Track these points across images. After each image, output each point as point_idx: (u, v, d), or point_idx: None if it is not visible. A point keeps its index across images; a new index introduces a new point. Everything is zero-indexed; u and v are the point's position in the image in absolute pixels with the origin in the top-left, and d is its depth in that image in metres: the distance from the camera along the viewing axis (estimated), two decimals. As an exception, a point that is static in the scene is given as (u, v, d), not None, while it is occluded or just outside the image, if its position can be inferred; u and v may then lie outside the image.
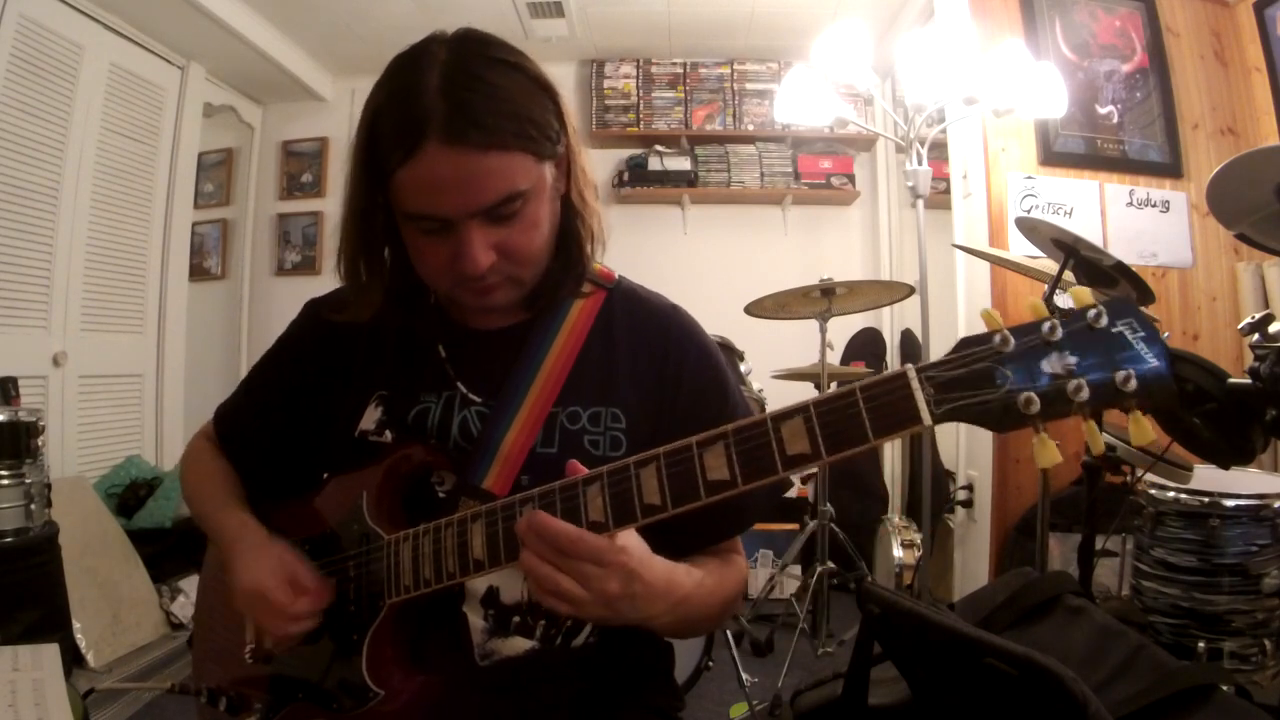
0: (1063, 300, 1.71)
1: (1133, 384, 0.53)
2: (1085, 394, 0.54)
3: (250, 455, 0.98)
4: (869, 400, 0.58)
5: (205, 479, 0.97)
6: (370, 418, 0.88)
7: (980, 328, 0.59)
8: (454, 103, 0.72)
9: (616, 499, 0.67)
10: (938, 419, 0.57)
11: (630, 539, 0.69)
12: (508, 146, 0.74)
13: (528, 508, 0.71)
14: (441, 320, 0.90)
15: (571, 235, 0.86)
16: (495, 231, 0.77)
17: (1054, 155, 2.77)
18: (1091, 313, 0.55)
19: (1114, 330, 0.55)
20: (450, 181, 0.73)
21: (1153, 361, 0.54)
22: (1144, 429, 0.55)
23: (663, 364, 0.89)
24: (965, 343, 0.58)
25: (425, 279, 0.83)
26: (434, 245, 0.78)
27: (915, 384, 0.57)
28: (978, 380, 0.56)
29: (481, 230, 0.76)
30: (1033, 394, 0.55)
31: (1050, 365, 0.55)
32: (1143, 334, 0.54)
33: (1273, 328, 1.14)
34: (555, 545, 0.66)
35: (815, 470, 2.71)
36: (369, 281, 0.84)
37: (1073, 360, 0.55)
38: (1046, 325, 0.56)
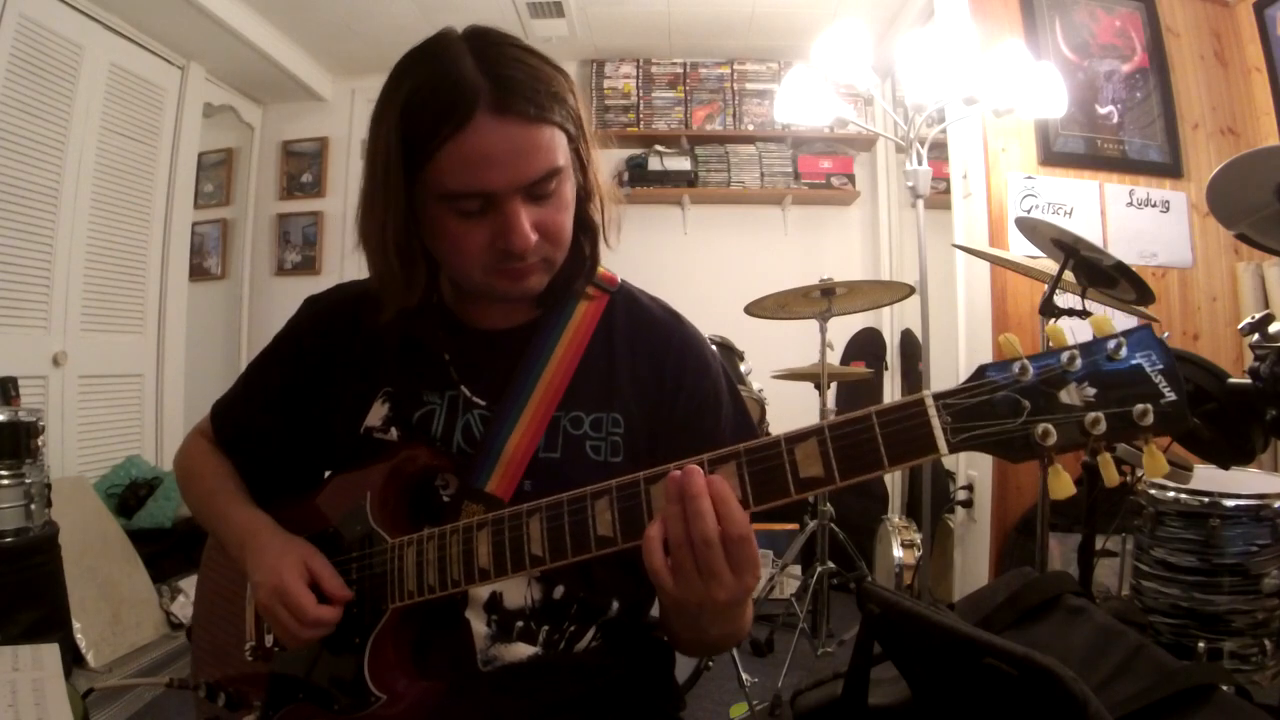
0: (1063, 301, 1.71)
1: (1150, 418, 0.52)
2: (1103, 427, 0.53)
3: (248, 450, 0.97)
4: (885, 426, 0.58)
5: (207, 477, 0.96)
6: (377, 414, 0.87)
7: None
8: (497, 77, 0.72)
9: (625, 514, 0.67)
10: (954, 448, 0.56)
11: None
12: (551, 120, 0.75)
13: (534, 518, 0.71)
14: (445, 320, 0.90)
15: (585, 222, 0.86)
16: (534, 210, 0.77)
17: (1054, 155, 2.77)
18: (1111, 344, 0.54)
19: (1133, 362, 0.54)
20: (501, 153, 0.72)
21: (1170, 395, 0.53)
22: (1159, 462, 0.54)
23: (661, 375, 0.88)
24: (983, 370, 0.57)
25: (457, 265, 0.81)
26: (472, 228, 0.76)
27: (932, 412, 0.56)
28: (995, 410, 0.56)
29: (525, 207, 0.76)
30: (1050, 426, 0.54)
31: (1068, 396, 0.54)
32: (1161, 366, 0.53)
33: (1273, 328, 1.14)
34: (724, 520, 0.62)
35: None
36: (418, 266, 0.81)
37: (1091, 391, 0.54)
38: (1065, 355, 0.55)
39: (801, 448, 0.61)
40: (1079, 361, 0.55)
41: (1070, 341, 0.57)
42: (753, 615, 0.83)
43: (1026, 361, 0.56)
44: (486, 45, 0.76)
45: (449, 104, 0.72)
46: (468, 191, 0.74)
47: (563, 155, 0.77)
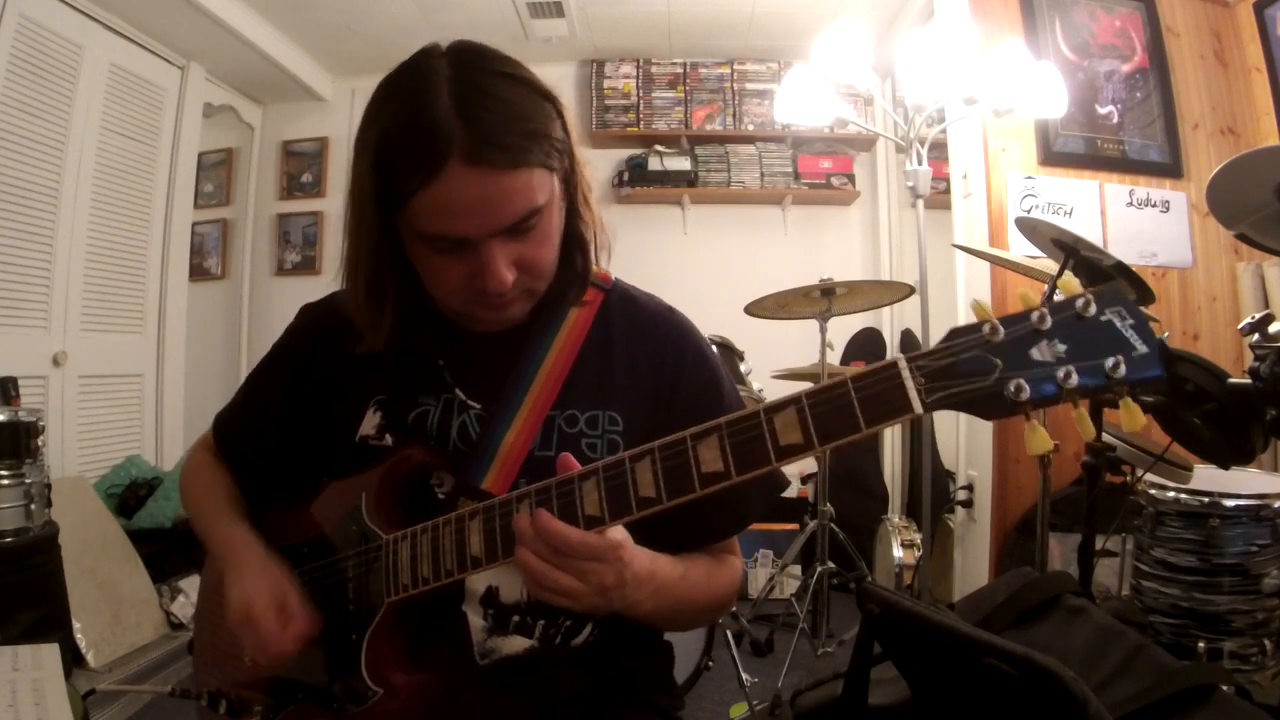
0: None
1: (1121, 370, 0.53)
2: (1075, 380, 0.54)
3: (249, 460, 0.98)
4: (860, 390, 0.59)
5: (204, 491, 0.97)
6: (370, 422, 0.88)
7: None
8: (471, 122, 0.71)
9: (612, 493, 0.67)
10: (928, 407, 0.57)
11: (619, 532, 0.70)
12: (528, 163, 0.73)
13: (524, 504, 0.71)
14: (437, 324, 0.90)
15: (576, 243, 0.86)
16: (513, 246, 0.77)
17: (1054, 155, 2.77)
18: (1080, 301, 0.56)
19: (1103, 318, 0.55)
20: (473, 203, 0.72)
21: (1141, 348, 0.54)
22: (1134, 414, 0.56)
23: (660, 368, 0.89)
24: (955, 333, 0.59)
25: (439, 296, 0.83)
26: (450, 264, 0.77)
27: (906, 373, 0.58)
28: (968, 369, 0.57)
29: (502, 247, 0.75)
30: (1022, 381, 0.55)
31: (1040, 353, 0.56)
32: (1131, 321, 0.55)
33: (1273, 328, 1.14)
34: (555, 546, 0.67)
35: (815, 470, 2.71)
36: (386, 309, 0.83)
37: (1062, 348, 0.55)
38: (1035, 314, 0.56)
39: (780, 416, 0.62)
40: (1049, 320, 0.56)
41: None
42: (702, 595, 0.85)
43: (996, 322, 0.57)
44: (467, 75, 0.74)
45: (421, 152, 0.71)
46: (442, 235, 0.75)
47: (543, 193, 0.76)
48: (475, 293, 0.78)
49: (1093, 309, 0.55)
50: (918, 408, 0.57)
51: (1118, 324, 0.55)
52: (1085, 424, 0.57)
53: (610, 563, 0.69)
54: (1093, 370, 0.54)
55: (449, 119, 0.71)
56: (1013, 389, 0.55)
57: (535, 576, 0.68)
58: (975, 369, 0.57)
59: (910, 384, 0.57)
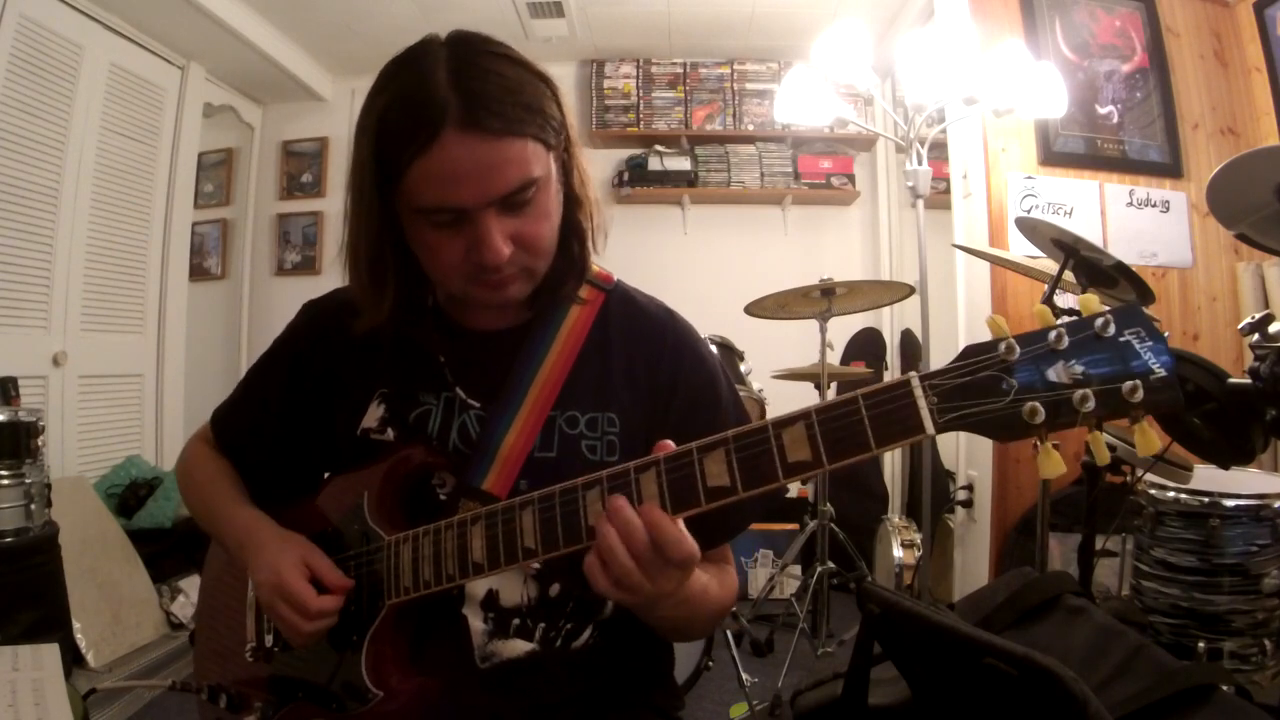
0: (1063, 301, 1.71)
1: (1140, 394, 0.52)
2: (1091, 404, 0.52)
3: (249, 454, 0.98)
4: (871, 408, 0.57)
5: (207, 480, 0.96)
6: (373, 415, 0.88)
7: (983, 330, 0.58)
8: (466, 92, 0.72)
9: None
10: (941, 428, 0.56)
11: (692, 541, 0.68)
12: (522, 133, 0.74)
13: (527, 510, 0.71)
14: (438, 322, 0.90)
15: (573, 227, 0.86)
16: (510, 221, 0.76)
17: (1054, 155, 2.77)
18: (1099, 321, 0.54)
19: (1121, 339, 0.54)
20: (469, 170, 0.72)
21: (1160, 372, 0.52)
22: (1150, 440, 0.54)
23: (658, 371, 0.89)
24: (970, 351, 0.57)
25: (438, 277, 0.82)
26: (448, 240, 0.77)
27: (918, 392, 0.56)
28: (982, 389, 0.55)
29: (498, 220, 0.75)
30: (1038, 404, 0.53)
31: (1056, 374, 0.54)
32: (1150, 343, 0.53)
33: (1273, 328, 1.14)
34: (656, 540, 0.64)
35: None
36: (386, 286, 0.83)
37: (1079, 369, 0.54)
38: (1053, 334, 0.55)
39: (789, 432, 0.60)
40: (1066, 340, 0.54)
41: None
42: (713, 608, 0.84)
43: (1013, 341, 0.55)
44: (464, 55, 0.75)
45: (417, 121, 0.72)
46: (439, 207, 0.74)
47: (539, 166, 0.76)
48: (473, 269, 0.78)
49: (1111, 329, 0.54)
50: (930, 428, 0.55)
51: (1136, 345, 0.53)
52: (1100, 448, 0.55)
53: (686, 570, 0.67)
54: (1110, 394, 0.52)
55: (445, 90, 0.72)
56: (1027, 412, 0.53)
57: (609, 562, 0.65)
58: (990, 390, 0.55)
59: (923, 404, 0.56)
